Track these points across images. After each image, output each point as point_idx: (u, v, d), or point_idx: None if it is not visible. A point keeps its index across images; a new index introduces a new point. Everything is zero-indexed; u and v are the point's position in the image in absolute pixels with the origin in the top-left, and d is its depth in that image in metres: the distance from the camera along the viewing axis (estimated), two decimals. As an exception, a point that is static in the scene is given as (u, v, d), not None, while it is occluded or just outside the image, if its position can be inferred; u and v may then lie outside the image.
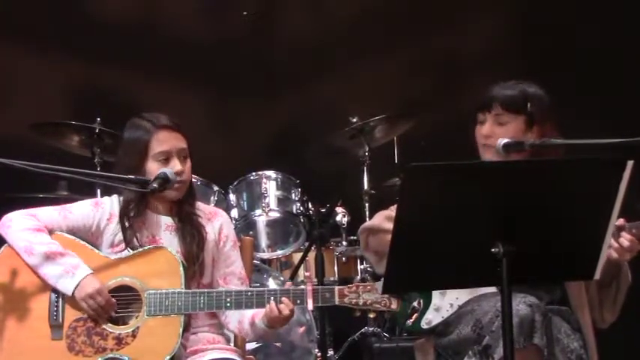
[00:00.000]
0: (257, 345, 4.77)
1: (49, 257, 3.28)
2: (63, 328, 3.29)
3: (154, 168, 3.37)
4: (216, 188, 5.26)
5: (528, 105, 3.44)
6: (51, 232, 3.37)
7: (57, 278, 3.28)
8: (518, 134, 3.41)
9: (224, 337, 3.54)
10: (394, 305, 3.22)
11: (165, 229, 3.44)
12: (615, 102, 5.84)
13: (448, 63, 6.33)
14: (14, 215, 3.39)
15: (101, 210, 3.44)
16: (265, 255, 5.38)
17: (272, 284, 4.97)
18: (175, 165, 3.37)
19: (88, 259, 3.33)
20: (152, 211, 3.44)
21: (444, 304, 3.47)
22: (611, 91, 5.90)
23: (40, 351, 3.28)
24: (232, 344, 3.60)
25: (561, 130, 3.44)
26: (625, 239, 3.21)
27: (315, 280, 4.82)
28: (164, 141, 3.39)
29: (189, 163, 3.43)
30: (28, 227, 3.34)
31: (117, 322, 3.31)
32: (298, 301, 3.26)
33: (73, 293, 3.26)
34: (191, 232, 3.42)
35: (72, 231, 3.39)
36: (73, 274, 3.27)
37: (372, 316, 5.27)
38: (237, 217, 5.31)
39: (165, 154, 3.38)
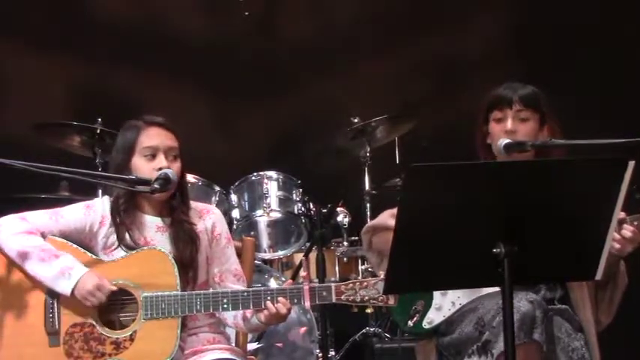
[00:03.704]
0: (258, 345, 4.77)
1: (43, 260, 3.24)
2: (60, 334, 3.26)
3: (139, 164, 3.33)
4: (217, 189, 5.26)
5: (541, 103, 3.46)
6: (42, 235, 3.32)
7: (53, 280, 3.24)
8: (536, 132, 3.44)
9: (224, 337, 3.51)
10: (392, 301, 3.22)
11: (155, 230, 3.39)
12: (615, 102, 5.84)
13: (449, 63, 6.33)
14: (4, 220, 3.33)
15: (93, 213, 3.39)
16: (267, 255, 5.38)
17: (273, 284, 4.97)
18: (161, 161, 3.31)
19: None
20: (142, 212, 3.40)
21: (445, 303, 3.48)
22: (611, 91, 5.90)
23: (38, 358, 3.25)
24: (233, 344, 3.57)
25: (564, 132, 3.45)
26: (627, 230, 3.23)
27: (317, 280, 4.82)
28: (152, 136, 3.35)
29: (178, 164, 3.36)
30: (20, 230, 3.29)
31: (114, 325, 3.28)
32: (295, 301, 3.24)
33: (72, 293, 3.22)
34: (184, 239, 3.36)
35: (64, 235, 3.34)
36: (69, 274, 3.22)
37: (369, 311, 5.28)
38: (238, 217, 5.31)
39: (152, 149, 3.33)
